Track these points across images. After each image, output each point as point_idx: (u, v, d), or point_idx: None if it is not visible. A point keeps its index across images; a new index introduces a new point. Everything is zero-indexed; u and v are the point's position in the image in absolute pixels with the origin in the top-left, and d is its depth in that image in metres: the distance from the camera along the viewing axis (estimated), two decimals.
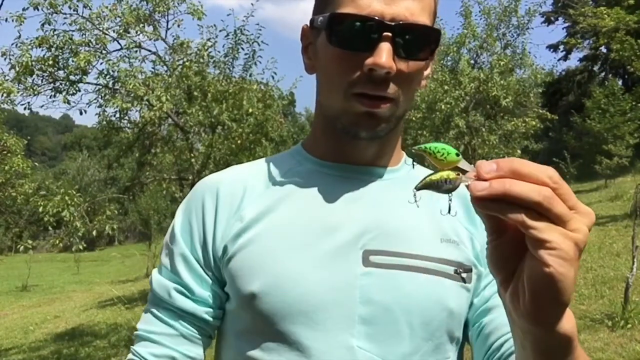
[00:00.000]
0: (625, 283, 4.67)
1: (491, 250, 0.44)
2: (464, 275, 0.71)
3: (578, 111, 17.70)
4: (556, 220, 0.39)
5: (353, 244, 0.69)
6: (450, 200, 0.47)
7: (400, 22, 0.64)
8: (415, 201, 0.48)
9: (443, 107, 9.06)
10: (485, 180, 0.39)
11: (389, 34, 0.63)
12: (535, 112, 10.62)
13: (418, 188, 0.44)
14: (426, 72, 0.75)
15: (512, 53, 10.96)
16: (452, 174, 0.42)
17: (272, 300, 0.66)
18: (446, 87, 9.33)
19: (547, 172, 0.39)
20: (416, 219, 0.72)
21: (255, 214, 0.72)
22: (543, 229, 0.38)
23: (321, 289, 0.66)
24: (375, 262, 0.68)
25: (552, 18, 24.63)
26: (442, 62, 10.69)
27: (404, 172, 0.78)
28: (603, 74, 24.67)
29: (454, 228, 0.74)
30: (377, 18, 0.64)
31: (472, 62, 10.83)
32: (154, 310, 0.74)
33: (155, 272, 0.77)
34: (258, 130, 6.09)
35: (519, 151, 10.05)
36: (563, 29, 26.14)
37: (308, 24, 0.75)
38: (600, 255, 7.14)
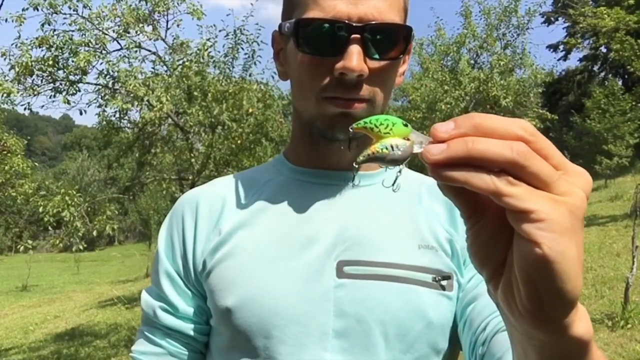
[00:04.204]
0: (625, 283, 4.67)
1: (471, 239, 0.34)
2: (443, 283, 0.67)
3: (578, 111, 17.72)
4: (538, 182, 0.30)
5: (327, 256, 0.67)
6: (400, 172, 0.37)
7: (368, 23, 0.62)
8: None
9: (443, 107, 9.07)
10: (443, 142, 0.31)
11: (358, 35, 0.62)
12: (535, 112, 10.63)
13: (359, 162, 0.35)
14: (402, 69, 0.73)
15: (512, 53, 10.97)
16: (399, 140, 0.33)
17: (246, 315, 0.65)
18: (446, 87, 9.34)
19: (518, 123, 0.31)
20: (393, 225, 0.70)
21: (232, 227, 0.71)
22: (523, 196, 0.29)
23: (295, 303, 0.65)
24: (349, 273, 0.66)
25: (552, 18, 24.65)
26: (442, 62, 10.69)
27: (382, 177, 0.75)
28: (603, 74, 24.68)
29: (433, 232, 0.70)
30: (343, 20, 0.62)
31: (472, 62, 10.84)
32: (144, 331, 0.75)
33: (144, 291, 0.77)
34: (258, 130, 6.09)
35: None
36: (563, 29, 26.18)
37: (277, 29, 0.73)
38: (600, 255, 7.14)
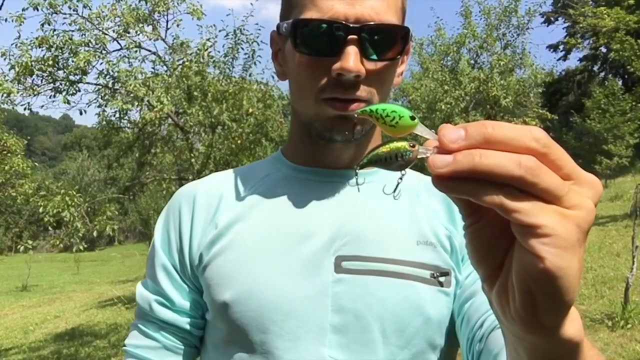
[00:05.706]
0: (625, 283, 4.67)
1: (469, 238, 0.34)
2: (441, 279, 0.67)
3: (578, 111, 17.73)
4: (547, 196, 0.29)
5: (325, 251, 0.67)
6: (401, 179, 0.36)
7: (366, 23, 0.62)
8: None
9: (443, 107, 9.07)
10: (450, 152, 0.30)
11: (355, 36, 0.62)
12: (535, 112, 10.63)
13: (361, 165, 0.34)
14: (400, 69, 0.73)
15: (512, 53, 10.98)
16: (405, 145, 0.32)
17: (244, 310, 0.65)
18: (446, 87, 9.35)
19: (531, 134, 0.30)
20: (392, 221, 0.70)
21: (229, 221, 0.71)
22: (530, 211, 0.29)
23: (293, 298, 0.65)
24: (347, 268, 0.66)
25: (552, 18, 24.65)
26: (442, 62, 10.70)
27: (381, 174, 0.75)
28: (603, 74, 24.69)
29: (432, 229, 0.70)
30: (340, 21, 0.62)
31: (472, 62, 10.85)
32: (139, 324, 0.75)
33: (139, 285, 0.77)
34: (258, 130, 6.10)
35: None
36: (563, 29, 26.20)
37: (276, 30, 0.73)
38: (600, 255, 7.14)
